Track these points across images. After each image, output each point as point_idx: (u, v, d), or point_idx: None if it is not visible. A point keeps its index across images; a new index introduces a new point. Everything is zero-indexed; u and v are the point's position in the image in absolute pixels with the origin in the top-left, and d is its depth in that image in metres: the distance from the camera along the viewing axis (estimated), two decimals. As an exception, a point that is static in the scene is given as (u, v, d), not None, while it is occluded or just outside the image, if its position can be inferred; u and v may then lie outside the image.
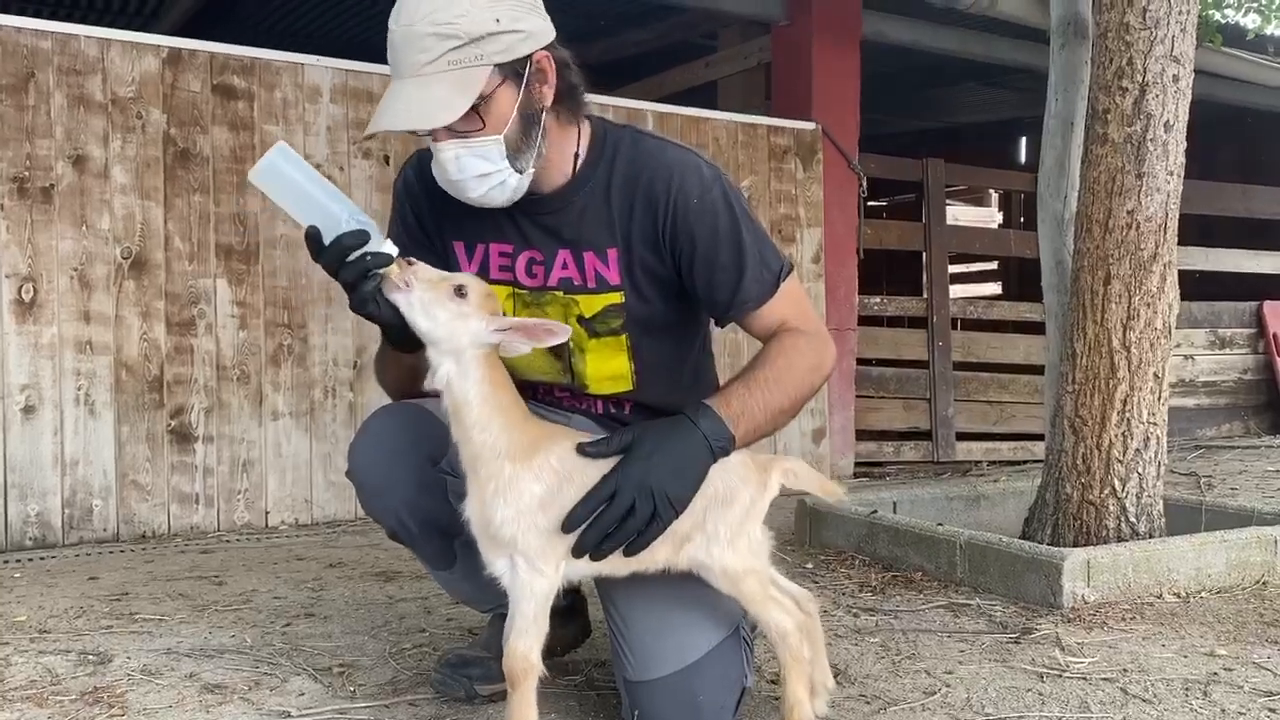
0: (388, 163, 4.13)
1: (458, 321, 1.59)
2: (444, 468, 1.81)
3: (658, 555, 1.64)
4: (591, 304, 1.84)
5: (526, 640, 1.60)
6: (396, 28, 1.67)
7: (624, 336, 1.86)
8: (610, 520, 1.56)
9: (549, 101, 1.74)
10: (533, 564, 1.59)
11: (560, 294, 1.85)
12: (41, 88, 3.55)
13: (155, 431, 3.72)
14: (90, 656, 2.26)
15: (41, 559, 3.32)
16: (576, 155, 1.82)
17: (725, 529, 1.65)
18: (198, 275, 3.81)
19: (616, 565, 1.65)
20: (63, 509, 3.56)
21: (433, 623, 2.55)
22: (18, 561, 3.27)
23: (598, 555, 1.58)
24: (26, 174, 3.53)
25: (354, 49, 5.03)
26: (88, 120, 3.63)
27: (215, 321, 3.84)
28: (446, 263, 1.89)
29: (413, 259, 1.64)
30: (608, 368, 1.88)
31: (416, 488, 1.82)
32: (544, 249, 1.84)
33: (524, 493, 1.58)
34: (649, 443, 1.60)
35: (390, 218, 1.99)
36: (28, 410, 3.51)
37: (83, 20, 6.46)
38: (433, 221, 1.91)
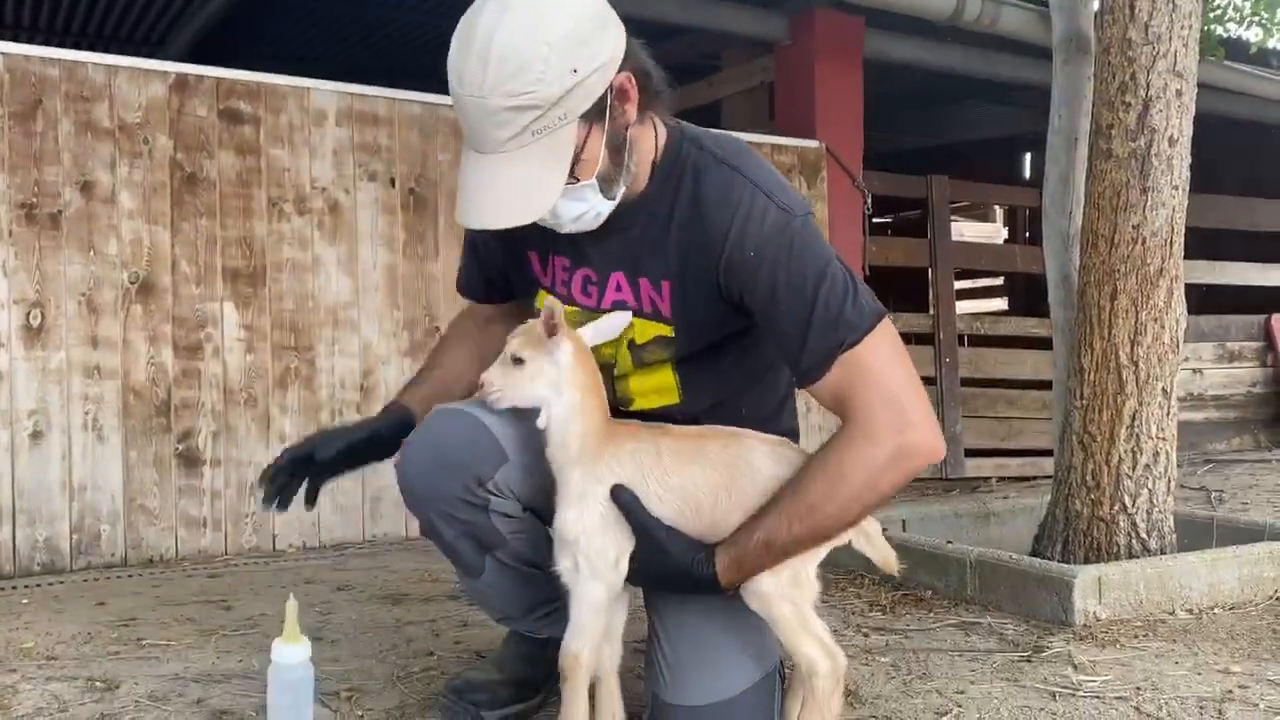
0: (394, 185, 4.14)
1: (537, 381, 1.66)
2: (491, 488, 1.82)
3: None
4: (644, 330, 1.77)
5: (578, 641, 1.68)
6: (465, 96, 1.52)
7: (669, 366, 1.81)
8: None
9: (633, 117, 1.63)
10: (593, 567, 1.65)
11: None
12: (49, 115, 3.58)
13: (163, 455, 3.72)
14: (98, 683, 2.26)
15: (50, 584, 3.31)
16: (655, 163, 1.73)
17: None
18: (205, 299, 3.82)
19: None
20: (71, 534, 3.56)
21: (441, 645, 2.54)
22: (26, 587, 3.27)
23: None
24: (35, 200, 3.54)
25: (358, 73, 5.06)
26: (95, 146, 3.65)
27: (222, 345, 3.84)
28: (519, 265, 1.90)
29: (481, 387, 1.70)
30: (650, 382, 1.84)
31: (457, 504, 1.82)
32: (598, 270, 1.77)
33: (588, 496, 1.65)
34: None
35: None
36: (35, 436, 3.52)
37: (90, 48, 6.52)
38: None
